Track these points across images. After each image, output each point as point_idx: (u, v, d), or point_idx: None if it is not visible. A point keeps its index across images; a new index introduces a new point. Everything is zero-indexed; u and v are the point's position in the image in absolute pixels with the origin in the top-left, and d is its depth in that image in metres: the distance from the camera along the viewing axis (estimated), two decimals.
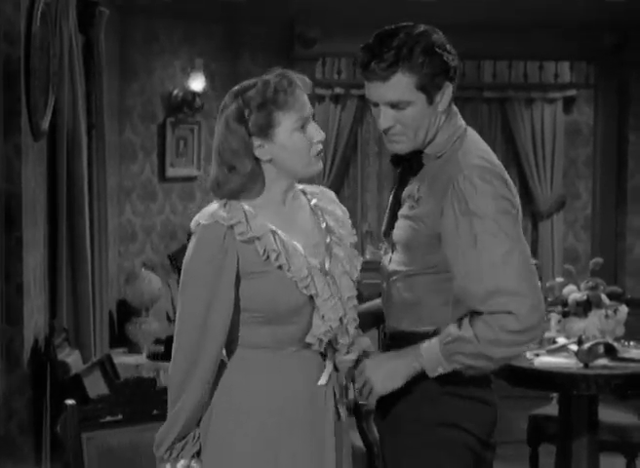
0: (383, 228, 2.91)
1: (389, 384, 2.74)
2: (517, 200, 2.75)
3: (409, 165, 2.83)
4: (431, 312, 2.78)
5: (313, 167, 2.74)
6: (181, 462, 2.74)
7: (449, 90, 2.75)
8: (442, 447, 2.76)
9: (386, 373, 2.74)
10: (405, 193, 2.83)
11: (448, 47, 2.73)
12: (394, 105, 2.72)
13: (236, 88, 2.72)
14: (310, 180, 2.86)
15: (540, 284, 2.73)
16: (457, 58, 2.76)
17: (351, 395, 2.85)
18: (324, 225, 2.81)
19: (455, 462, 2.77)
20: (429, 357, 2.70)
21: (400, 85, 2.69)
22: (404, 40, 2.68)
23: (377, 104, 2.76)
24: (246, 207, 2.69)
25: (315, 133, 2.72)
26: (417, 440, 2.77)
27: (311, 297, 2.69)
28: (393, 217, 2.85)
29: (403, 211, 2.82)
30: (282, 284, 2.66)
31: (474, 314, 2.68)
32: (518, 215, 2.73)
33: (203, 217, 2.67)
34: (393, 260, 2.85)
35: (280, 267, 2.66)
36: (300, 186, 2.87)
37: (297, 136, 2.70)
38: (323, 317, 2.69)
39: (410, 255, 2.79)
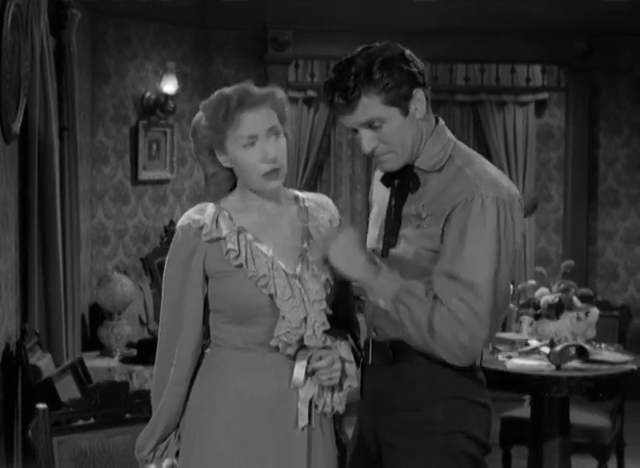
0: (380, 247, 2.83)
1: (345, 265, 2.70)
2: (519, 234, 2.72)
3: (405, 182, 2.80)
4: None
5: (264, 185, 2.76)
6: (166, 461, 2.80)
7: (420, 95, 2.73)
8: (445, 453, 2.75)
9: (349, 258, 2.69)
10: (407, 211, 2.79)
11: (407, 54, 2.73)
12: (370, 125, 2.72)
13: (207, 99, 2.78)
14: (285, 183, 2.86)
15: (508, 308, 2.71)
16: (420, 63, 2.75)
17: (335, 398, 2.82)
18: (304, 230, 2.81)
19: None
20: (383, 283, 2.68)
21: (367, 107, 2.69)
22: (361, 65, 2.68)
23: (356, 130, 2.76)
24: (225, 209, 2.78)
25: (260, 153, 2.73)
26: (420, 442, 2.77)
27: (273, 298, 2.71)
28: (392, 236, 2.80)
29: (407, 230, 2.78)
30: (243, 283, 2.71)
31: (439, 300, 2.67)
32: (514, 254, 2.72)
33: (181, 219, 2.80)
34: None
35: (240, 266, 2.71)
36: (296, 192, 2.90)
37: (242, 154, 2.74)
38: (284, 318, 2.71)
39: (415, 273, 2.74)
